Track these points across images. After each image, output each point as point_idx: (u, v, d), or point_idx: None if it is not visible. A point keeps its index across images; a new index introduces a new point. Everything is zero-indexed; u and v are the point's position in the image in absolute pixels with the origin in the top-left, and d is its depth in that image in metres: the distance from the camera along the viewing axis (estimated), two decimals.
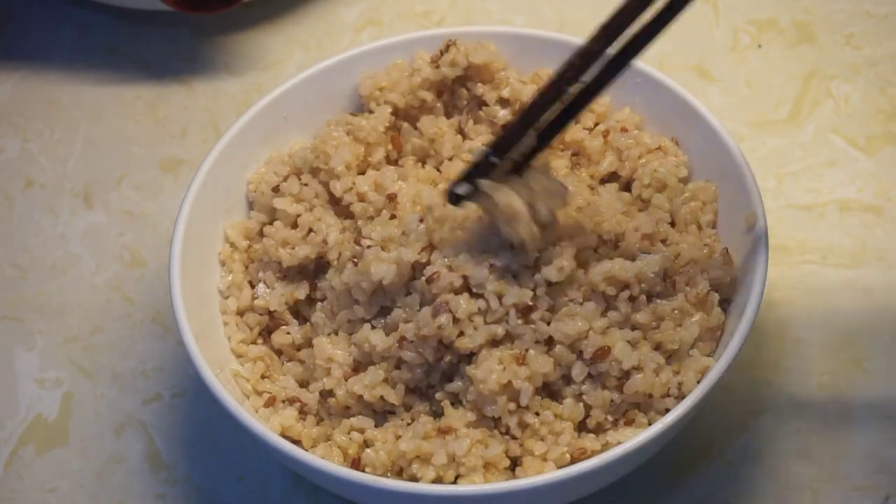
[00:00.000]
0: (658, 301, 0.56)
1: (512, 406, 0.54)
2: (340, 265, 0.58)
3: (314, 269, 0.62)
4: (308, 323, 0.61)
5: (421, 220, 0.58)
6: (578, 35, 0.60)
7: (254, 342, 0.62)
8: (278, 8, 0.84)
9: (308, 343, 0.60)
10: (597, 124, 0.65)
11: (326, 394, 0.58)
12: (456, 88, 0.66)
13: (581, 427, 0.55)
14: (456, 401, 0.56)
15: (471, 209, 0.56)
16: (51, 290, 0.71)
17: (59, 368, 0.68)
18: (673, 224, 0.61)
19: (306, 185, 0.63)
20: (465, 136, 0.66)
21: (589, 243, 0.57)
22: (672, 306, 0.56)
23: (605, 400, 0.54)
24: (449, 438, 0.54)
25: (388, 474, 0.55)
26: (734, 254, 0.59)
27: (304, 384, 0.60)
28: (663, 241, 0.59)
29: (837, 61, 0.78)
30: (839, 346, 0.64)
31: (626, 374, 0.54)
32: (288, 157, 0.64)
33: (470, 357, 0.55)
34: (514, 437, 0.55)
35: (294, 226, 0.63)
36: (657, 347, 0.55)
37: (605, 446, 0.54)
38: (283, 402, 0.58)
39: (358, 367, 0.58)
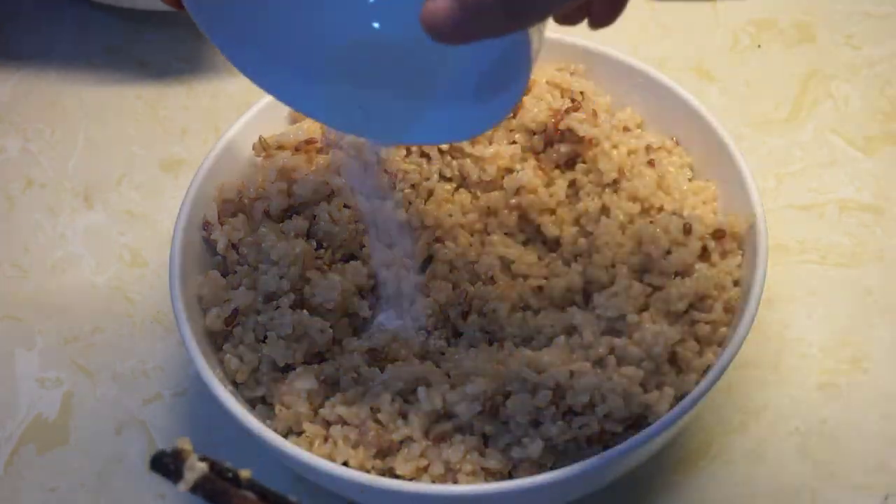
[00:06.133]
0: (694, 312, 0.57)
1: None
2: None
3: None
4: None
5: None
6: (578, 36, 0.60)
7: None
8: None
9: None
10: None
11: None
12: None
13: None
14: None
15: None
16: (51, 290, 0.71)
17: (60, 368, 0.68)
18: None
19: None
20: None
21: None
22: (708, 318, 0.56)
23: (622, 416, 0.54)
24: (444, 446, 0.54)
25: (386, 475, 0.55)
26: None
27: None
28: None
29: (837, 61, 0.78)
30: (839, 346, 0.65)
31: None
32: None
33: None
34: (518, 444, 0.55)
35: None
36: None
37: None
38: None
39: None
